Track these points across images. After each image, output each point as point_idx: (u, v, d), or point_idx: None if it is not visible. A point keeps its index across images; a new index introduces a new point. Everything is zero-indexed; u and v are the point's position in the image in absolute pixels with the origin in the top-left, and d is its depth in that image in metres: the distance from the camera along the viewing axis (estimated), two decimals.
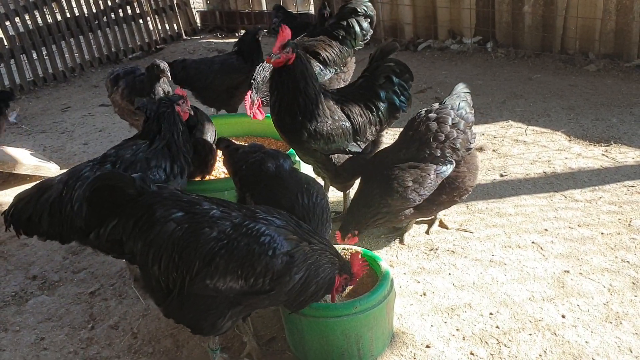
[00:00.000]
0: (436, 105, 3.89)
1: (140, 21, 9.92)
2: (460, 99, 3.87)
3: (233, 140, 4.07)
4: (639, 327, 3.19)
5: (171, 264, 2.64)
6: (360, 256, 3.01)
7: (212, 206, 2.76)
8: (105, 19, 9.43)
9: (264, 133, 5.09)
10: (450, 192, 3.83)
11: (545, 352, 3.10)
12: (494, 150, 5.46)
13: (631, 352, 3.04)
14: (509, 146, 5.53)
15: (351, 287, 3.10)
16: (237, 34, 10.61)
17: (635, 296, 3.43)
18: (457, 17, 8.43)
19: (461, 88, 3.95)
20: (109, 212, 2.69)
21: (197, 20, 11.01)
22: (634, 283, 3.54)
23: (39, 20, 8.81)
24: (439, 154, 3.72)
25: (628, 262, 3.73)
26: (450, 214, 4.44)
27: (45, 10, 8.87)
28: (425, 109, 3.91)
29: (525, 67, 7.61)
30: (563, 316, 3.34)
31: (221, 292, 2.65)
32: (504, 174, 5.02)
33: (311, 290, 2.76)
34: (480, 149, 5.48)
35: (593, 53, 7.38)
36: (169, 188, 2.87)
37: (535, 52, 7.81)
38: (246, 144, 3.89)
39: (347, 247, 3.49)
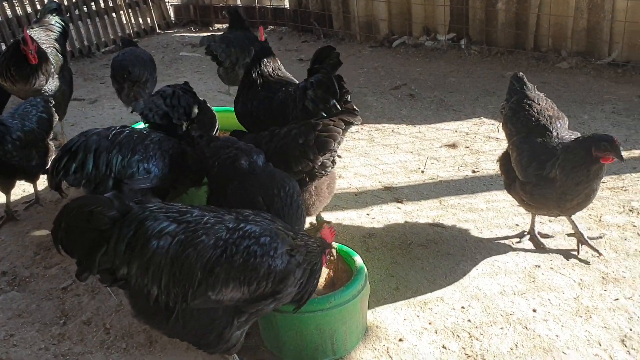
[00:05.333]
0: None
1: (114, 15, 9.77)
2: None
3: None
4: (608, 321, 3.26)
5: (172, 280, 2.52)
6: (327, 226, 2.99)
7: (203, 213, 2.66)
8: (77, 12, 9.27)
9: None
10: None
11: (516, 345, 3.15)
12: (467, 147, 5.52)
13: (600, 345, 3.11)
14: (481, 143, 5.59)
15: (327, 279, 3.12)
16: (210, 28, 10.53)
17: (605, 290, 3.51)
18: (431, 14, 8.48)
19: None
20: (94, 240, 2.53)
21: (171, 14, 10.88)
22: (603, 277, 3.62)
23: (8, 12, 8.62)
24: None
25: (598, 256, 3.80)
26: (423, 209, 4.48)
27: (15, 2, 8.69)
28: None
29: (498, 64, 7.69)
30: (534, 310, 3.39)
31: (223, 302, 2.59)
32: (476, 170, 5.07)
33: (312, 283, 2.77)
34: (453, 146, 5.54)
35: (565, 50, 7.49)
36: (150, 200, 2.75)
37: (508, 49, 7.90)
38: (219, 137, 3.85)
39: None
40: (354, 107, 3.87)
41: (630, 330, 3.18)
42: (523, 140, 3.72)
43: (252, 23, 10.39)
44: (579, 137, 3.52)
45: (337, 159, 3.79)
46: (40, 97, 4.89)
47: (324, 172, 3.73)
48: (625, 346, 3.08)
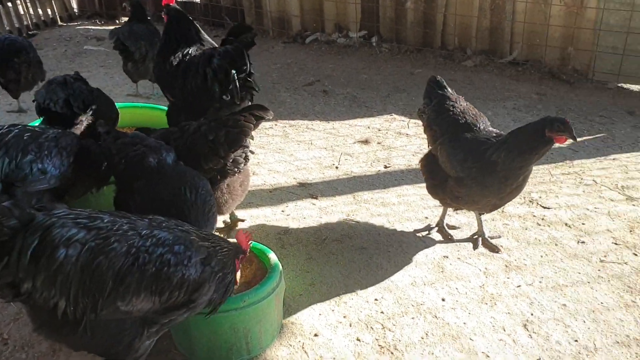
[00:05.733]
0: None
1: (9, 4, 9.18)
2: None
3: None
4: (512, 307, 3.42)
5: (81, 290, 2.36)
6: (242, 231, 2.93)
7: (114, 218, 2.51)
8: None
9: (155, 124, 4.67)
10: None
11: (427, 334, 3.24)
12: (379, 143, 5.62)
13: (504, 330, 3.25)
14: (392, 138, 5.71)
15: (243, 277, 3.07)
16: (117, 21, 10.14)
17: (508, 278, 3.67)
18: (343, 11, 8.58)
19: None
20: None
21: (74, 5, 10.38)
22: (506, 266, 3.79)
23: None
24: None
25: (502, 246, 3.98)
26: (338, 205, 4.52)
27: None
28: None
29: (408, 62, 7.89)
30: (443, 299, 3.50)
31: (132, 313, 2.46)
32: (387, 165, 5.18)
33: (227, 289, 2.70)
34: (366, 141, 5.63)
35: (470, 49, 7.79)
36: (55, 207, 2.55)
37: (417, 47, 8.12)
38: (127, 133, 3.69)
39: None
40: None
41: (532, 315, 3.35)
42: (453, 139, 3.75)
43: (160, 17, 10.15)
44: (530, 122, 3.61)
45: (250, 155, 3.73)
46: None
47: (236, 170, 3.66)
48: (527, 330, 3.24)
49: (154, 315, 2.53)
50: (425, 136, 4.10)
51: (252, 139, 3.65)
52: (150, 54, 6.19)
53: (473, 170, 3.61)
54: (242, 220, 4.30)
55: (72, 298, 2.36)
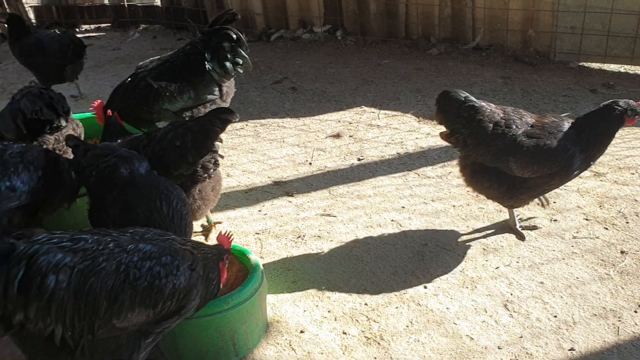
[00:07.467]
0: None
1: None
2: None
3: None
4: (492, 289, 3.49)
5: (77, 314, 2.32)
6: (222, 232, 2.94)
7: (97, 238, 2.47)
8: None
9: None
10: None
11: (411, 322, 3.28)
12: (351, 136, 5.65)
13: (486, 311, 3.31)
14: (364, 131, 5.75)
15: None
16: (77, 30, 9.99)
17: (487, 260, 3.74)
18: (306, 7, 8.58)
19: None
20: None
21: (31, 15, 10.19)
22: (484, 249, 3.86)
23: None
24: None
25: (478, 230, 4.05)
26: (314, 200, 4.54)
27: None
28: None
29: (374, 53, 7.94)
30: (425, 287, 3.55)
31: (128, 329, 2.44)
32: (361, 157, 5.21)
33: (213, 290, 2.72)
34: (338, 136, 5.65)
35: (434, 37, 7.87)
36: (33, 232, 2.47)
37: (382, 38, 8.17)
38: (97, 145, 3.65)
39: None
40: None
41: (511, 294, 3.42)
42: (517, 149, 3.56)
43: (122, 23, 10.03)
44: (602, 105, 3.62)
45: (219, 159, 3.72)
46: None
47: (205, 175, 3.65)
48: (508, 310, 3.31)
49: (148, 327, 2.52)
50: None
51: (221, 142, 3.64)
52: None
53: (564, 162, 3.55)
54: (220, 223, 4.29)
55: (69, 323, 2.33)
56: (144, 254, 2.48)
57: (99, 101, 4.41)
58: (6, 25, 6.61)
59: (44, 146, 3.88)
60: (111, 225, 2.91)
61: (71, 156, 3.64)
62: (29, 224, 3.42)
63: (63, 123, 4.05)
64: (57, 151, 3.88)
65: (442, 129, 3.97)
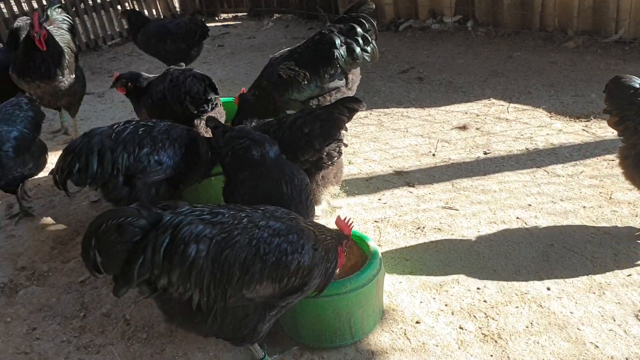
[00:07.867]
0: None
1: (119, 7, 9.78)
2: None
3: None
4: (621, 296, 3.29)
5: (213, 281, 2.53)
6: (340, 217, 3.02)
7: (233, 213, 2.67)
8: (82, 5, 9.30)
9: None
10: None
11: (532, 323, 3.18)
12: (477, 129, 5.52)
13: (614, 320, 3.13)
14: (491, 124, 5.59)
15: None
16: (217, 18, 10.55)
17: (618, 267, 3.52)
18: None
19: None
20: (128, 254, 2.47)
21: (176, 4, 10.89)
22: (615, 254, 3.63)
23: (14, 7, 8.66)
24: None
25: (610, 234, 3.82)
26: (435, 192, 4.50)
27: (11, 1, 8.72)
28: None
29: (505, 45, 7.66)
30: (548, 288, 3.42)
31: (255, 300, 2.62)
32: (487, 151, 5.08)
33: (332, 273, 2.84)
34: (464, 128, 5.54)
35: (572, 30, 7.44)
36: (177, 204, 2.69)
37: (515, 30, 7.85)
38: (234, 127, 3.88)
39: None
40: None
41: None
42: None
43: (257, 12, 10.45)
44: None
45: (343, 148, 3.81)
46: (23, 96, 4.68)
47: (330, 162, 3.76)
48: (639, 320, 3.11)
49: (274, 300, 2.68)
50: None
51: (346, 131, 3.72)
52: None
53: None
54: (339, 208, 4.39)
55: (205, 289, 2.53)
56: (274, 231, 2.63)
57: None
58: (126, 21, 7.14)
59: (202, 121, 4.28)
60: (240, 202, 3.11)
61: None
62: (172, 196, 3.76)
63: (219, 102, 4.42)
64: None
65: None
